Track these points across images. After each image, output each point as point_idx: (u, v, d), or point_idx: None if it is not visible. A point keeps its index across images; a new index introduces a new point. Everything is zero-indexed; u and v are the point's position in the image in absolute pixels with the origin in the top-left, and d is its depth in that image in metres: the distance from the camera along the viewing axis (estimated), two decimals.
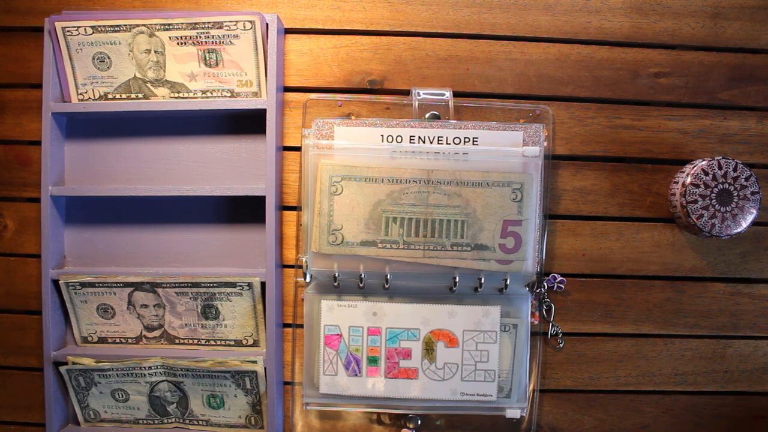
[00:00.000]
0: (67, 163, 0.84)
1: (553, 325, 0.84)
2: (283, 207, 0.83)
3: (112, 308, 0.82)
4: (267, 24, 0.79)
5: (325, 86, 0.83)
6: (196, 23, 0.79)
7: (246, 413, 0.82)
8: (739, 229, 0.78)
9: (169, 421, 0.83)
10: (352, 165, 0.78)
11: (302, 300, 0.82)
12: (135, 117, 0.82)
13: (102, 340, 0.84)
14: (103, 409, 0.83)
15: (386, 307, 0.80)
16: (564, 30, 0.83)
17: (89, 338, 0.84)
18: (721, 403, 0.85)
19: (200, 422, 0.83)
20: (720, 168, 0.77)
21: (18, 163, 0.84)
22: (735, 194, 0.77)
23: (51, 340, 0.81)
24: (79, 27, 0.79)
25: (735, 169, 0.77)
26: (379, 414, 0.84)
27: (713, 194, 0.77)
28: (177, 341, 0.83)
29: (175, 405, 0.83)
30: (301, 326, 0.82)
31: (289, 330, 0.83)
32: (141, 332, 0.83)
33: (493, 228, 0.77)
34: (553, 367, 0.84)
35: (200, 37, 0.79)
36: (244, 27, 0.78)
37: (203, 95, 0.81)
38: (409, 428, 0.83)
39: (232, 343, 0.83)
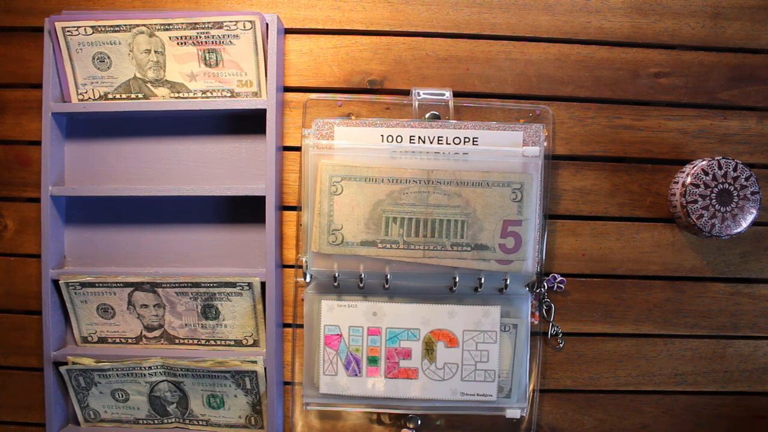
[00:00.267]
0: (67, 163, 0.84)
1: (553, 325, 0.84)
2: (283, 207, 0.83)
3: (112, 308, 0.82)
4: (267, 24, 0.79)
5: (325, 86, 0.83)
6: (196, 23, 0.79)
7: (246, 413, 0.82)
8: (739, 229, 0.78)
9: (169, 421, 0.83)
10: (352, 165, 0.78)
11: (302, 300, 0.82)
12: (135, 117, 0.82)
13: (102, 340, 0.84)
14: (103, 409, 0.83)
15: (386, 307, 0.80)
16: (564, 30, 0.83)
17: (89, 338, 0.84)
18: (721, 403, 0.85)
19: (200, 422, 0.83)
20: (720, 168, 0.77)
21: (18, 163, 0.84)
22: (735, 194, 0.77)
23: (51, 340, 0.81)
24: (79, 27, 0.79)
25: (735, 169, 0.77)
26: (379, 414, 0.84)
27: (713, 194, 0.77)
28: (177, 341, 0.83)
29: (175, 405, 0.83)
30: (301, 326, 0.82)
31: (289, 330, 0.83)
32: (141, 332, 0.83)
33: (493, 228, 0.77)
34: (553, 367, 0.84)
35: (200, 37, 0.79)
36: (244, 27, 0.78)
37: (203, 95, 0.81)
38: (409, 428, 0.83)
39: (232, 343, 0.83)
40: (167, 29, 0.79)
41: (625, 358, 0.84)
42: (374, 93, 0.83)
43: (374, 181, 0.77)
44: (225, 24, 0.78)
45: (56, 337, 0.82)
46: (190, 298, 0.81)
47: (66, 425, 0.83)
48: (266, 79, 0.80)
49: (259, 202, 0.80)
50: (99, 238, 0.84)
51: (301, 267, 0.82)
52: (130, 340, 0.83)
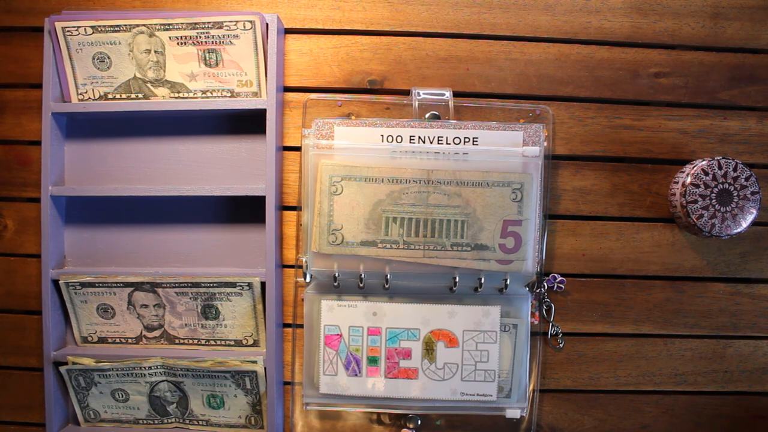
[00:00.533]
0: (67, 163, 0.84)
1: (553, 325, 0.84)
2: (283, 207, 0.83)
3: (112, 308, 0.82)
4: (267, 24, 0.79)
5: (325, 86, 0.83)
6: (196, 23, 0.79)
7: (246, 413, 0.82)
8: (739, 229, 0.78)
9: (169, 421, 0.83)
10: (352, 165, 0.78)
11: (302, 300, 0.82)
12: (135, 117, 0.82)
13: (102, 340, 0.84)
14: (103, 409, 0.83)
15: (386, 307, 0.80)
16: (564, 30, 0.83)
17: (89, 338, 0.84)
18: (721, 403, 0.85)
19: (200, 422, 0.83)
20: (720, 168, 0.77)
21: (18, 163, 0.84)
22: (735, 194, 0.77)
23: (51, 340, 0.81)
24: (79, 27, 0.79)
25: (735, 169, 0.77)
26: (379, 414, 0.84)
27: (713, 194, 0.77)
28: (177, 341, 0.83)
29: (175, 405, 0.83)
30: (301, 326, 0.82)
31: (289, 330, 0.83)
32: (141, 332, 0.83)
33: (493, 228, 0.77)
34: (553, 367, 0.84)
35: (200, 37, 0.79)
36: (244, 27, 0.78)
37: (203, 95, 0.81)
38: (409, 428, 0.83)
39: (232, 343, 0.83)
40: (167, 29, 0.79)
41: (625, 358, 0.84)
42: (374, 93, 0.83)
43: (374, 181, 0.77)
44: (225, 24, 0.78)
45: (56, 337, 0.82)
46: (190, 298, 0.81)
47: (66, 425, 0.83)
48: (266, 79, 0.80)
49: (259, 202, 0.80)
50: (99, 238, 0.84)
51: (301, 267, 0.82)
52: (130, 340, 0.83)
